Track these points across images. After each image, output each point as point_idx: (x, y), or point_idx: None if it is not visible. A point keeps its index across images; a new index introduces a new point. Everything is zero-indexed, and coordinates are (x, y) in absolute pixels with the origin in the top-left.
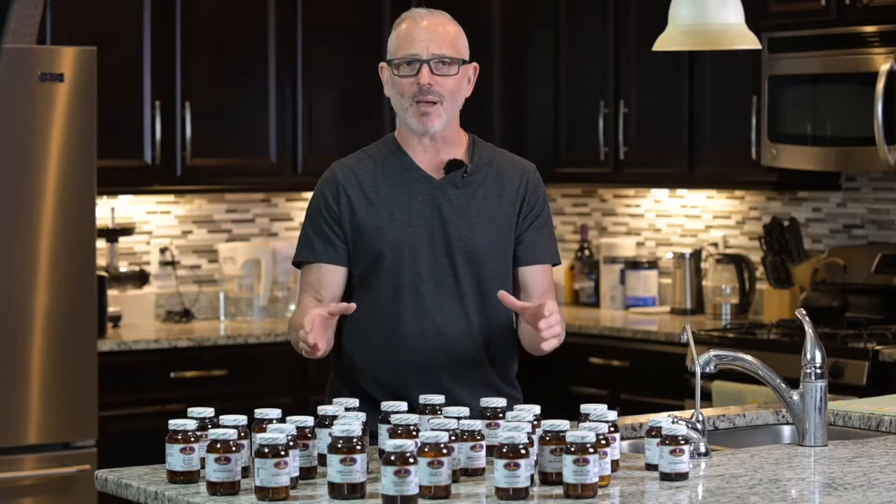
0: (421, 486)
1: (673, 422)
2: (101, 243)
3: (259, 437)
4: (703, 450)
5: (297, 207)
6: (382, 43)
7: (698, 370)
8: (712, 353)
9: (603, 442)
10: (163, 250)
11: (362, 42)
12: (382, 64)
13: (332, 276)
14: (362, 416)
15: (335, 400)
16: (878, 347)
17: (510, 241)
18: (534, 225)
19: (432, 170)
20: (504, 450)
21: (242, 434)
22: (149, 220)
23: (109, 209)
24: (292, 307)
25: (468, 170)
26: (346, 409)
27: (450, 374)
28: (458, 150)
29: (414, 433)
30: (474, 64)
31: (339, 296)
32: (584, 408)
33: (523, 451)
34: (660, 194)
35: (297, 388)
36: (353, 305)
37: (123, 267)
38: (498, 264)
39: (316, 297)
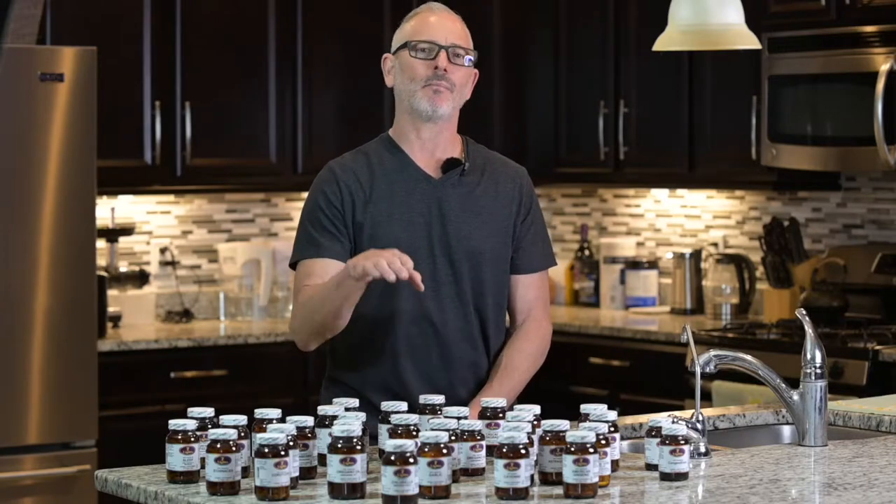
0: (421, 486)
1: (673, 422)
2: (101, 243)
3: (259, 437)
4: (703, 450)
5: (297, 207)
6: (382, 44)
7: (698, 370)
8: (712, 353)
9: (603, 442)
10: (163, 250)
11: (362, 42)
12: (387, 55)
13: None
14: (362, 415)
15: (335, 400)
16: (878, 347)
17: (508, 243)
18: (530, 231)
19: (430, 168)
20: (504, 450)
21: (242, 434)
22: (149, 220)
23: (109, 209)
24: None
25: (465, 169)
26: (346, 409)
27: (447, 374)
28: (454, 151)
29: (414, 433)
30: (475, 70)
31: None
32: (584, 408)
33: (523, 451)
34: (660, 194)
35: (297, 388)
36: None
37: (123, 267)
38: (495, 265)
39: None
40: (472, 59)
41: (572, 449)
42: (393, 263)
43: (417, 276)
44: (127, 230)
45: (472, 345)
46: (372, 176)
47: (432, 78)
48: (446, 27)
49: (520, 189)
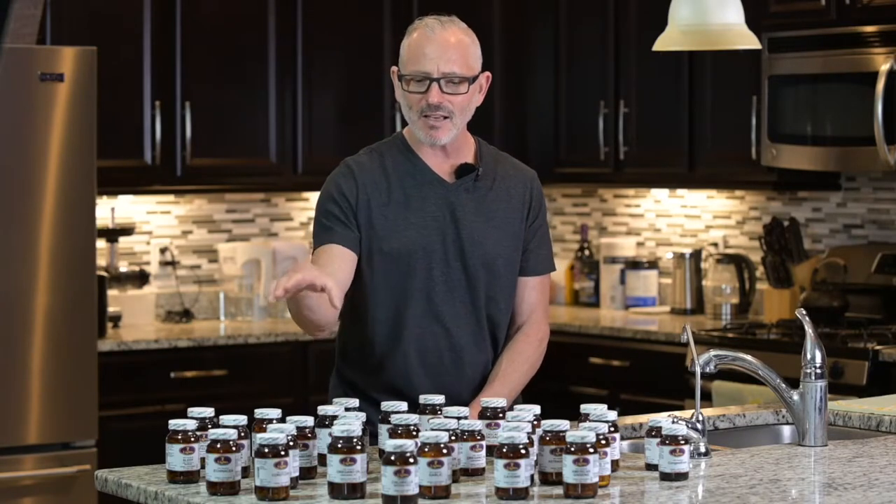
0: (421, 486)
1: (673, 422)
2: (101, 243)
3: (259, 437)
4: (703, 450)
5: (297, 207)
6: (382, 44)
7: (698, 370)
8: (712, 353)
9: (603, 442)
10: (163, 250)
11: (362, 43)
12: (394, 68)
13: (344, 260)
14: (362, 416)
15: (335, 400)
16: (878, 347)
17: (518, 248)
18: (537, 235)
19: (443, 173)
20: (504, 450)
21: (242, 434)
22: (149, 220)
23: (109, 209)
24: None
25: (479, 174)
26: (346, 409)
27: (458, 377)
28: (467, 154)
29: (414, 433)
30: (486, 73)
31: (347, 285)
32: (584, 408)
33: (523, 451)
34: (660, 194)
35: (297, 388)
36: (337, 305)
37: (123, 267)
38: (508, 270)
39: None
40: (474, 76)
41: (572, 449)
42: (277, 281)
43: (331, 291)
44: (127, 230)
45: (482, 349)
46: (387, 178)
47: (427, 110)
48: (441, 51)
49: (530, 193)
